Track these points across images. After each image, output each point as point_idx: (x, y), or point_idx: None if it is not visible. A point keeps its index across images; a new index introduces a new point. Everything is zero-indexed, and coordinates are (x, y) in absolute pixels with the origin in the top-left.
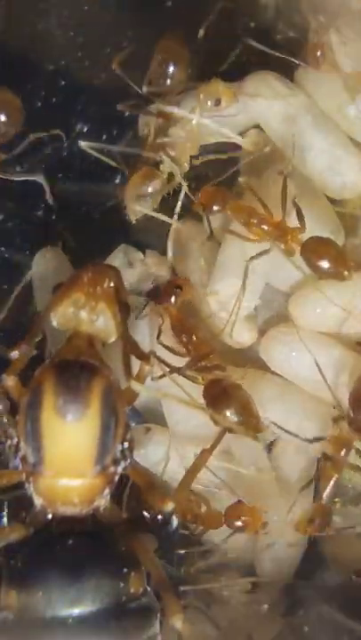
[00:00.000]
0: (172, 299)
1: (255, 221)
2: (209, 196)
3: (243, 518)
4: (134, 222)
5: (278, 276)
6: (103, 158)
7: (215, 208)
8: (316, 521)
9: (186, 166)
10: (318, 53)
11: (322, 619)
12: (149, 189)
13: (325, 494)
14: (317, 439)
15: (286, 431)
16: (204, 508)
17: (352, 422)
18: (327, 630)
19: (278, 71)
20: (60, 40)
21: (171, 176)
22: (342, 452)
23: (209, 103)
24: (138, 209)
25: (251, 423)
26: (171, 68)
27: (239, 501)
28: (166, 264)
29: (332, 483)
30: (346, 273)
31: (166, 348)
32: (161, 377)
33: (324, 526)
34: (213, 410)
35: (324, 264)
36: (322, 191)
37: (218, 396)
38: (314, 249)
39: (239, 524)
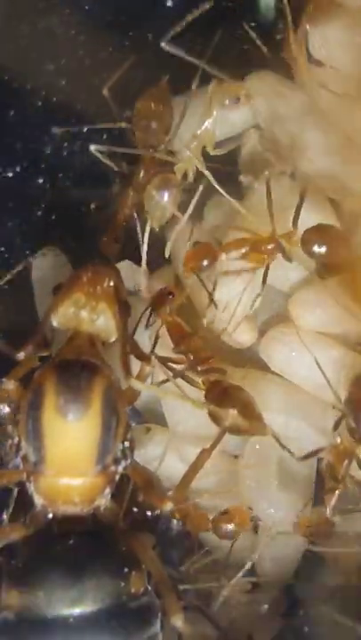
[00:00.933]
0: (167, 307)
1: (248, 250)
2: (195, 256)
3: (229, 527)
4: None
5: (278, 276)
6: (111, 164)
7: (205, 264)
8: (315, 529)
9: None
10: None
11: (322, 619)
12: (166, 196)
13: (329, 506)
14: (316, 452)
15: (282, 445)
16: (192, 509)
17: (354, 432)
18: (327, 631)
19: (278, 71)
20: (60, 39)
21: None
22: (344, 464)
23: (227, 102)
24: (160, 216)
25: (253, 424)
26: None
27: (224, 512)
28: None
29: (336, 494)
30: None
31: (161, 359)
32: (163, 382)
33: (326, 537)
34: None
35: (324, 249)
36: (322, 191)
37: (219, 398)
38: (310, 239)
39: (227, 530)
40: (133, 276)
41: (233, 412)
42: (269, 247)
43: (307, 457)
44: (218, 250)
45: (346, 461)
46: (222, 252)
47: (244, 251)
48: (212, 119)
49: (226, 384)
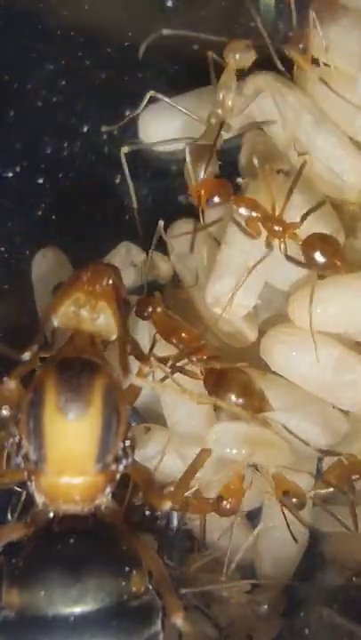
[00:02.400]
0: (146, 314)
1: (258, 216)
2: (211, 187)
3: (227, 502)
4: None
5: (278, 275)
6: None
7: (216, 200)
8: (290, 498)
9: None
10: (301, 46)
11: (322, 621)
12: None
13: (314, 491)
14: (333, 452)
15: (296, 436)
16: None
17: None
18: (327, 632)
19: (278, 71)
20: (60, 40)
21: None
22: (353, 476)
23: (237, 56)
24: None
25: (253, 405)
26: None
27: (219, 495)
28: (167, 265)
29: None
30: (338, 264)
31: (159, 360)
32: (163, 379)
33: (297, 508)
34: (216, 397)
35: (321, 258)
36: (322, 191)
37: (217, 382)
38: (313, 243)
39: (228, 506)
40: (130, 253)
41: (233, 396)
42: (276, 228)
43: (323, 452)
44: (233, 197)
45: (356, 475)
46: (236, 201)
47: (253, 214)
48: (228, 77)
49: (222, 368)
